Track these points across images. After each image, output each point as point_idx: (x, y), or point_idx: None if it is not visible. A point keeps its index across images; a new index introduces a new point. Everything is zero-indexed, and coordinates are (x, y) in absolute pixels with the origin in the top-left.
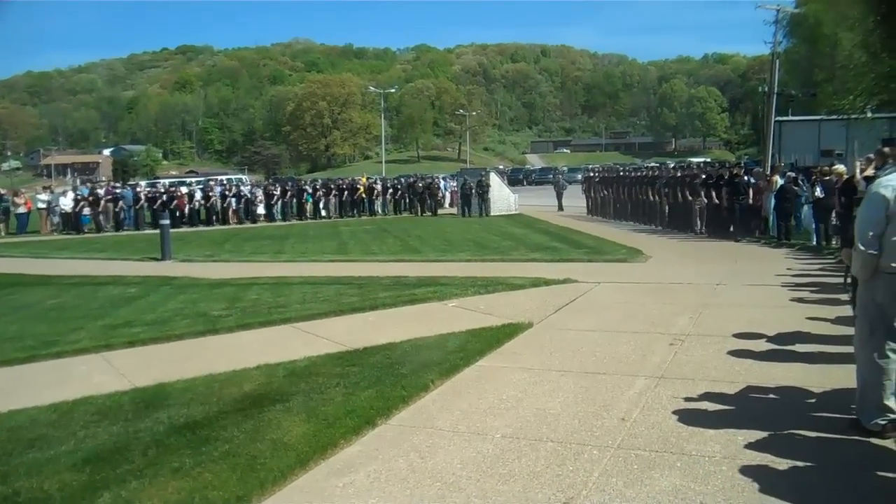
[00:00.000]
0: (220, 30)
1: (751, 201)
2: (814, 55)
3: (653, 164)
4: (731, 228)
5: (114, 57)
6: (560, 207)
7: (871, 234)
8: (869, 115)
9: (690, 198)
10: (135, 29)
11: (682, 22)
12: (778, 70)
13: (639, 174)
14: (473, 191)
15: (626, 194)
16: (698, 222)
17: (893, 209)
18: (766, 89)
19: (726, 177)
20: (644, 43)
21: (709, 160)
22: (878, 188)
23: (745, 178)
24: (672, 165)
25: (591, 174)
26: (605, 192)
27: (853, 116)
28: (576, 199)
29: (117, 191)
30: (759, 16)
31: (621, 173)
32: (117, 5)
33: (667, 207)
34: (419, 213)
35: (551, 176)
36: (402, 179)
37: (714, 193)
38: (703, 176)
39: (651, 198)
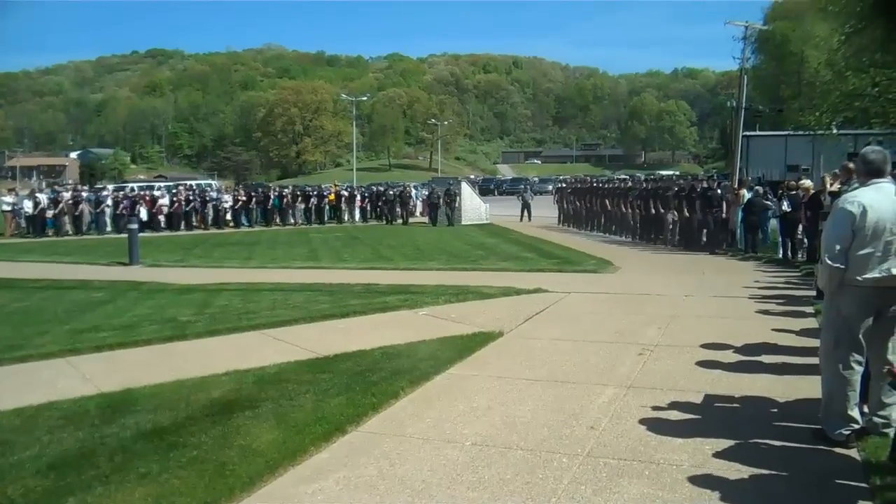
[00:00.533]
0: (191, 34)
1: (724, 214)
2: (781, 72)
3: (623, 176)
4: (704, 241)
5: (82, 59)
6: (528, 218)
7: (837, 248)
8: (835, 131)
9: (662, 210)
10: (104, 31)
11: (653, 36)
12: (746, 86)
13: (611, 185)
14: (441, 200)
15: (599, 205)
16: (670, 235)
17: (859, 224)
18: (735, 104)
19: (698, 190)
20: (615, 56)
21: (678, 173)
22: (845, 203)
23: (718, 191)
24: (643, 178)
25: (563, 185)
26: (578, 203)
27: (819, 132)
28: (547, 209)
29: (83, 194)
30: (729, 32)
31: (594, 184)
32: (86, 7)
33: (638, 219)
34: (389, 222)
35: (522, 186)
36: (374, 188)
37: (686, 206)
38: (676, 189)
39: (623, 209)
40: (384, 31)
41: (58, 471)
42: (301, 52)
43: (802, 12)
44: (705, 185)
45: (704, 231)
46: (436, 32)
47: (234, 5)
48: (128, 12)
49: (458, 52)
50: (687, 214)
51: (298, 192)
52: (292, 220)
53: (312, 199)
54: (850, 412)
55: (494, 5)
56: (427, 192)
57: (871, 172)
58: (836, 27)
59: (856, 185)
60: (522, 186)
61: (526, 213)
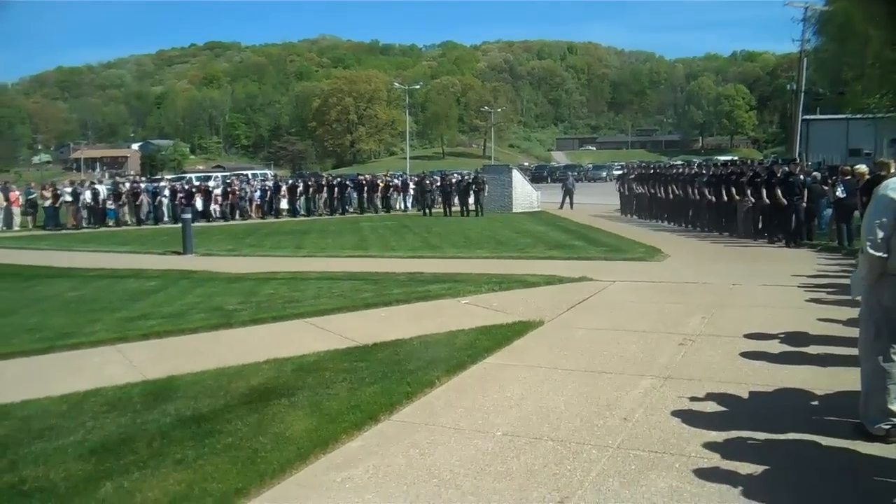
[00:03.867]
0: (247, 26)
1: (805, 202)
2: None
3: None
4: (783, 232)
5: (143, 53)
6: (570, 206)
7: (880, 235)
8: None
9: (737, 197)
10: (163, 25)
11: (711, 19)
12: (806, 68)
13: (677, 171)
14: (471, 188)
15: (663, 192)
16: (743, 224)
17: None
18: (794, 87)
19: (779, 175)
20: (672, 40)
21: (735, 158)
22: (886, 190)
23: (801, 177)
24: (697, 163)
25: (626, 171)
26: (641, 190)
27: (880, 115)
28: (599, 196)
29: (142, 185)
30: (789, 13)
31: (657, 170)
32: (146, 2)
33: (705, 207)
34: (446, 213)
35: (566, 173)
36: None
37: (767, 193)
38: (751, 174)
39: (691, 196)
40: (437, 19)
41: (98, 456)
42: (355, 41)
43: None
44: (787, 169)
45: (785, 220)
46: (489, 20)
47: None
48: (186, 6)
49: (511, 38)
50: (767, 202)
51: (348, 182)
52: (348, 209)
53: (364, 188)
54: (889, 406)
55: None
56: (417, 179)
57: None
58: None
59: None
60: (566, 173)
61: (568, 201)
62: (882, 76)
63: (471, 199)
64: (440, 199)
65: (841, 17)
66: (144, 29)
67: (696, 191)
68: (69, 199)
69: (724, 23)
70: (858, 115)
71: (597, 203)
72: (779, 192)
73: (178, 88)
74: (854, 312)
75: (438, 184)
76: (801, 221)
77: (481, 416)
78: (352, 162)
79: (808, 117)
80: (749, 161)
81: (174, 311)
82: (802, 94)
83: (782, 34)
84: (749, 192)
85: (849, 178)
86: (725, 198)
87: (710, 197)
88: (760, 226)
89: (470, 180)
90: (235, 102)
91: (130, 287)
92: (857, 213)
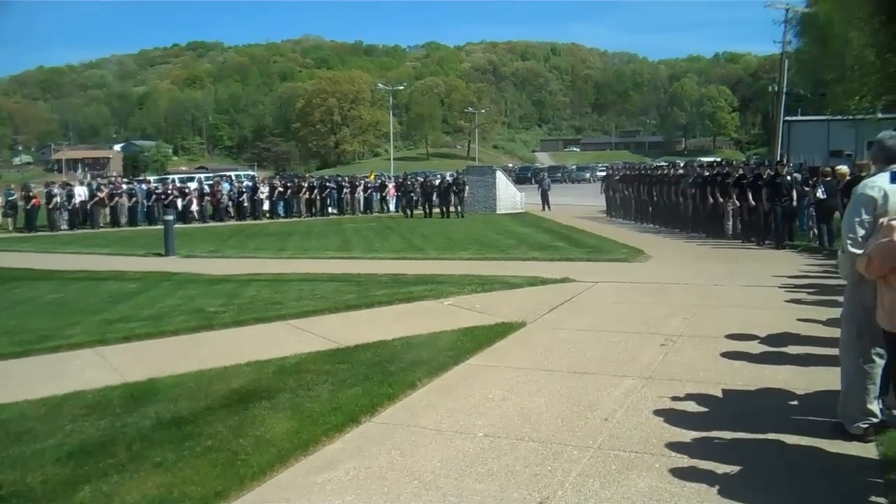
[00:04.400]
0: (230, 26)
1: (794, 203)
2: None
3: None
4: (767, 234)
5: (124, 53)
6: (547, 207)
7: (861, 233)
8: (878, 115)
9: (721, 199)
10: (145, 25)
11: (693, 21)
12: (788, 70)
13: (662, 173)
14: (450, 189)
15: (648, 194)
16: (729, 226)
17: (881, 210)
18: (776, 89)
19: (764, 176)
20: (655, 41)
21: (719, 159)
22: (864, 189)
23: (787, 178)
24: (682, 164)
25: (611, 172)
26: (626, 192)
27: (860, 117)
28: (583, 197)
29: (123, 187)
30: (770, 15)
31: (643, 171)
32: (128, 2)
33: (691, 209)
34: (427, 214)
35: (540, 175)
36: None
37: (752, 195)
38: (737, 175)
39: (676, 198)
40: (421, 19)
41: (76, 459)
42: (339, 42)
43: None
44: (775, 170)
45: (772, 222)
46: (473, 20)
47: None
48: (169, 6)
49: (495, 39)
50: (752, 204)
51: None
52: (331, 211)
53: (343, 190)
54: (868, 406)
55: None
56: (400, 180)
57: (889, 158)
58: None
59: (875, 170)
60: (541, 174)
61: (544, 201)
62: (862, 78)
63: (452, 201)
64: (421, 201)
65: (822, 19)
66: (126, 29)
67: (681, 192)
68: (61, 199)
69: (707, 24)
70: (839, 117)
71: (581, 204)
72: (764, 194)
73: (160, 89)
74: (834, 313)
75: (419, 185)
76: (787, 223)
77: (463, 418)
78: (336, 163)
79: (789, 118)
80: (734, 162)
81: (155, 313)
82: (784, 96)
83: (764, 36)
84: (735, 194)
85: (829, 179)
86: (711, 200)
87: (695, 199)
88: (746, 228)
89: (450, 182)
90: (218, 103)
91: (111, 289)
92: (837, 213)
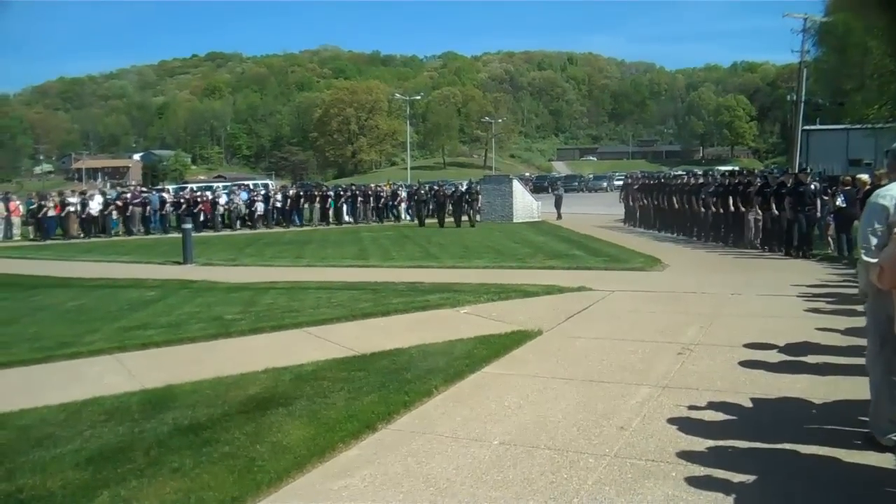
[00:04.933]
0: (249, 37)
1: (819, 213)
2: (843, 64)
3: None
4: (794, 244)
5: (144, 63)
6: (559, 216)
7: (873, 244)
8: None
9: (743, 208)
10: (165, 36)
11: (711, 30)
12: (806, 79)
13: (682, 181)
14: (463, 198)
15: (667, 203)
16: (752, 236)
17: (894, 219)
18: (795, 98)
19: (789, 184)
20: (672, 51)
21: (737, 168)
22: (877, 198)
23: (812, 187)
24: (700, 173)
25: (630, 181)
26: (645, 201)
27: (880, 125)
28: (601, 206)
29: (144, 195)
30: (788, 24)
31: (662, 180)
32: (149, 12)
33: (711, 218)
34: (440, 224)
35: (556, 182)
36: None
37: (775, 204)
38: (760, 183)
39: (696, 208)
40: (438, 30)
41: (96, 464)
42: (356, 52)
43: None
44: (798, 178)
45: (797, 232)
46: (490, 30)
47: (291, 7)
48: (188, 17)
49: (512, 49)
50: (776, 213)
51: (358, 192)
52: (347, 219)
53: (366, 198)
54: None
55: (549, 2)
56: (412, 190)
57: None
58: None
59: (888, 180)
60: (555, 182)
61: (557, 210)
62: (881, 86)
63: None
64: (435, 210)
65: (840, 29)
66: (146, 39)
67: (702, 201)
68: (71, 209)
69: (725, 33)
70: (858, 126)
71: (598, 213)
72: (787, 203)
73: (179, 99)
74: (853, 322)
75: (433, 195)
76: (809, 232)
77: (479, 425)
78: (353, 172)
79: (808, 128)
80: (756, 171)
81: (173, 320)
82: (802, 105)
83: (782, 45)
84: (758, 202)
85: (849, 188)
86: (733, 208)
87: (716, 208)
88: (768, 237)
89: (464, 191)
90: (237, 113)
91: (130, 297)
92: (856, 222)
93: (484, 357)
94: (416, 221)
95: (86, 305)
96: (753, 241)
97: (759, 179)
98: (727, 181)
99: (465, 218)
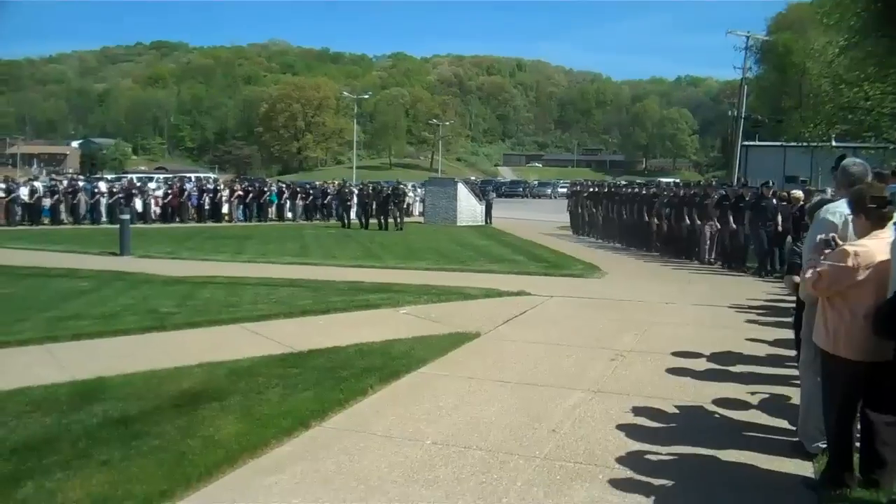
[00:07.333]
0: (195, 27)
1: (780, 228)
2: (783, 82)
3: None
4: (758, 262)
5: (86, 49)
6: (488, 220)
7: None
8: (833, 143)
9: (699, 221)
10: (109, 22)
11: (658, 43)
12: (747, 95)
13: (633, 191)
14: (390, 200)
15: (616, 213)
16: (706, 249)
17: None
18: (735, 113)
19: (747, 198)
20: (619, 62)
21: (678, 180)
22: (826, 214)
23: (773, 201)
24: (643, 183)
25: (579, 188)
26: (594, 210)
27: (814, 144)
28: (545, 212)
29: (80, 183)
30: (731, 42)
31: (612, 189)
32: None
33: (665, 230)
34: (383, 227)
35: (519, 189)
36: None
37: (732, 218)
38: (718, 196)
39: (646, 219)
40: (389, 30)
41: (20, 455)
42: (305, 48)
43: (805, 24)
44: (760, 192)
45: (756, 248)
46: (440, 33)
47: (240, 1)
48: (133, 4)
49: (461, 53)
50: (734, 227)
51: (298, 189)
52: (289, 216)
53: (310, 196)
54: None
55: (499, 7)
56: (357, 191)
57: (853, 184)
58: (833, 39)
59: (838, 196)
60: (485, 188)
61: (488, 216)
62: (817, 107)
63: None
64: (358, 211)
65: (781, 49)
66: (88, 25)
67: (655, 212)
68: (1, 195)
69: (671, 47)
70: (795, 143)
71: (543, 220)
72: (747, 217)
73: (121, 87)
74: (782, 334)
75: (356, 194)
76: (770, 248)
77: (412, 425)
78: (298, 169)
79: (747, 143)
80: (712, 182)
81: (107, 312)
82: (743, 121)
83: (725, 61)
84: (715, 215)
85: (784, 203)
86: (688, 220)
87: (669, 220)
88: (724, 252)
89: (389, 191)
90: (181, 104)
91: (63, 287)
92: (789, 238)
93: (421, 357)
94: (358, 222)
95: (16, 294)
96: (708, 257)
97: (716, 192)
98: (682, 192)
99: (390, 219)
